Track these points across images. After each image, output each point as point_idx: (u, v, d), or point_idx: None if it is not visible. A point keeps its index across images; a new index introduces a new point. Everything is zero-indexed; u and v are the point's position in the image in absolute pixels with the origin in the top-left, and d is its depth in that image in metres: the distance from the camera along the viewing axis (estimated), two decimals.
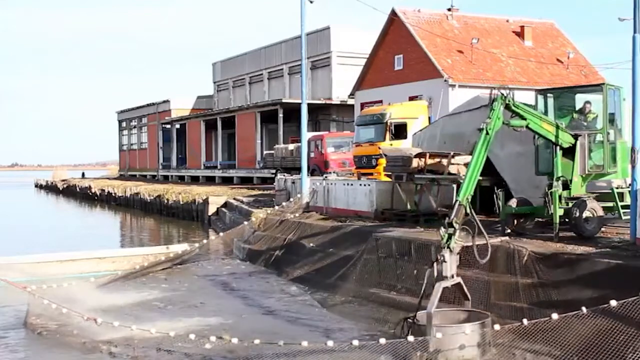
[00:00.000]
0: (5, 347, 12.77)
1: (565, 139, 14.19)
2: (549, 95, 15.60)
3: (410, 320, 10.86)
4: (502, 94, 12.75)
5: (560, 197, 13.93)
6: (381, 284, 15.16)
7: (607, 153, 14.53)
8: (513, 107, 13.13)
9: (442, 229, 11.22)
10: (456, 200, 11.56)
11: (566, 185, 14.14)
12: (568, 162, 14.28)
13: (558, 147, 14.19)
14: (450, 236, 11.12)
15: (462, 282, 11.26)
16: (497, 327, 10.32)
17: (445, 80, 36.95)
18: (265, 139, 54.60)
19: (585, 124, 14.87)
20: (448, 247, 11.05)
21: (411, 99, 35.38)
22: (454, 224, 11.18)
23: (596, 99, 14.88)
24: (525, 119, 13.47)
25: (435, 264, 11.09)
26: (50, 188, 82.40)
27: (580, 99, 15.48)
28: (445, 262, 10.98)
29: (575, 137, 14.29)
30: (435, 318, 10.64)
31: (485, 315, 11.00)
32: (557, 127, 14.10)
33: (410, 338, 10.26)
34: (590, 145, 14.56)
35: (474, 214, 11.73)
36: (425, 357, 10.15)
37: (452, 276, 11.07)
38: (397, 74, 40.63)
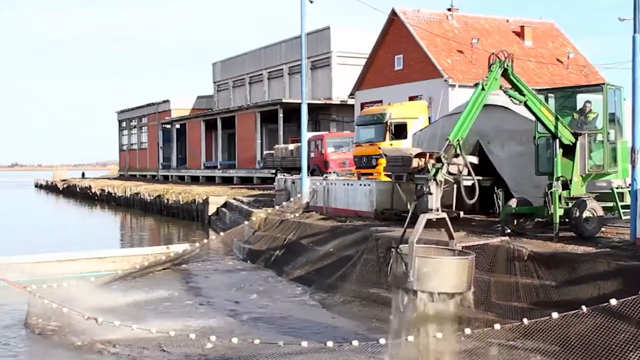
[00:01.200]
0: (5, 347, 12.77)
1: (566, 135, 14.18)
2: (550, 95, 15.60)
3: (393, 249, 10.84)
4: (499, 59, 12.83)
5: (560, 197, 13.94)
6: (381, 284, 15.15)
7: (607, 153, 14.53)
8: (511, 76, 13.17)
9: (431, 163, 11.40)
10: (447, 140, 11.71)
11: (566, 185, 14.15)
12: (568, 162, 14.29)
13: (558, 146, 14.18)
14: (437, 170, 11.22)
15: (447, 218, 11.29)
16: (497, 326, 10.32)
17: (445, 80, 36.96)
18: (265, 139, 54.61)
19: (585, 123, 14.87)
20: (434, 180, 11.14)
21: (411, 99, 35.39)
22: (443, 160, 11.33)
23: (597, 99, 14.89)
24: (524, 95, 13.48)
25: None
26: (50, 188, 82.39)
27: (581, 99, 15.49)
28: (431, 194, 11.05)
29: (576, 136, 14.29)
30: (418, 250, 10.57)
31: (469, 254, 11.00)
32: (557, 118, 14.10)
33: (410, 338, 10.28)
34: (590, 145, 14.57)
35: (465, 155, 11.87)
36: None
37: (437, 210, 11.06)
38: (397, 74, 40.64)
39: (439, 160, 11.28)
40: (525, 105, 13.63)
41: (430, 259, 10.56)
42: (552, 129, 14.03)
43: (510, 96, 13.52)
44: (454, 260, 10.73)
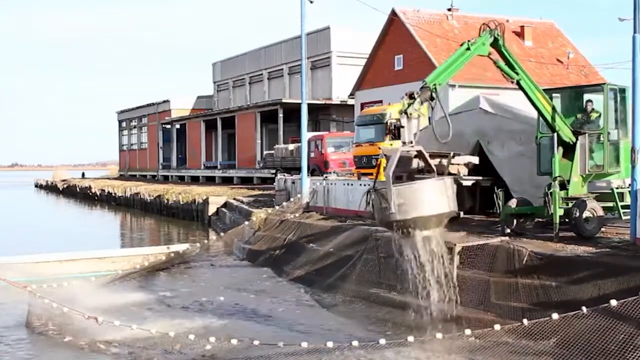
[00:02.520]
0: (5, 347, 12.77)
1: (565, 132, 14.15)
2: (554, 95, 15.53)
3: (372, 190, 11.16)
4: (490, 28, 12.89)
5: (558, 196, 13.91)
6: (381, 284, 15.16)
7: (607, 153, 14.50)
8: (502, 48, 13.18)
9: (404, 98, 11.72)
10: (424, 81, 11.99)
11: (564, 185, 14.11)
12: (567, 162, 14.27)
13: (556, 142, 14.12)
14: (409, 105, 11.54)
15: (424, 151, 11.46)
16: (497, 327, 10.32)
17: None
18: (265, 139, 54.59)
19: (588, 123, 14.82)
20: (406, 114, 11.44)
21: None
22: (415, 96, 11.63)
23: (600, 99, 14.82)
24: (517, 73, 13.45)
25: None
26: (50, 188, 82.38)
27: (586, 99, 15.36)
28: (403, 127, 11.38)
29: (576, 135, 14.26)
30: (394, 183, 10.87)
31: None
32: (555, 110, 14.05)
33: (410, 339, 10.30)
34: (591, 145, 14.54)
35: (439, 98, 12.05)
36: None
37: (411, 142, 11.32)
38: (397, 74, 40.60)
39: (411, 97, 11.62)
40: (518, 84, 13.58)
41: (405, 186, 10.88)
42: (549, 118, 13.96)
43: (503, 72, 13.49)
44: (428, 182, 11.00)
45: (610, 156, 14.63)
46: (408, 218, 10.71)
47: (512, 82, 13.65)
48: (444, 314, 12.37)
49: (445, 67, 12.48)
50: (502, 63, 13.38)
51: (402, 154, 11.09)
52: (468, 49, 12.76)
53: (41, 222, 42.13)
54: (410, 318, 12.93)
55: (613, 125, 14.75)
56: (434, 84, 11.94)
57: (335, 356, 10.75)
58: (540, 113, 14.12)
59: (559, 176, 14.05)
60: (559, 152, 14.35)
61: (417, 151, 11.38)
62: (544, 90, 14.68)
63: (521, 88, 13.66)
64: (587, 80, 39.40)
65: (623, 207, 14.16)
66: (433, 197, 10.70)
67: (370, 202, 11.14)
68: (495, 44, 13.12)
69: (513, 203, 14.87)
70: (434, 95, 11.88)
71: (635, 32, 12.84)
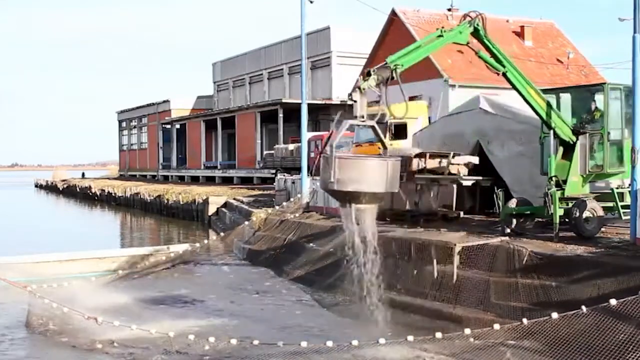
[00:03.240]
0: (5, 347, 12.77)
1: (564, 131, 14.10)
2: (561, 94, 15.45)
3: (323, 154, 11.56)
4: (470, 17, 12.87)
5: (553, 196, 13.85)
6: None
7: (606, 153, 14.45)
8: (484, 39, 13.11)
9: (360, 77, 11.89)
10: (386, 61, 12.15)
11: (559, 185, 14.05)
12: (566, 162, 14.23)
13: (552, 139, 14.06)
14: (365, 81, 11.70)
15: (376, 126, 11.77)
16: (496, 326, 10.32)
17: (445, 80, 36.95)
18: (265, 139, 54.59)
19: (592, 122, 14.75)
20: (359, 89, 11.64)
21: (411, 99, 35.27)
22: (372, 73, 11.79)
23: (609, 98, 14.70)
24: (503, 66, 13.35)
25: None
26: (50, 188, 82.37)
27: (598, 99, 15.13)
28: (355, 101, 11.60)
29: (577, 135, 14.23)
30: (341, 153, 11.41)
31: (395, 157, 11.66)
32: (550, 106, 13.94)
33: (410, 338, 10.30)
34: (592, 144, 14.49)
35: (400, 78, 12.17)
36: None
37: (362, 117, 11.63)
38: None
39: (368, 74, 11.81)
40: (506, 77, 13.50)
41: (348, 159, 11.35)
42: (542, 114, 13.86)
43: (487, 63, 13.43)
44: (371, 160, 11.42)
45: (612, 156, 14.55)
46: (344, 190, 11.06)
47: (499, 75, 13.55)
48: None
49: (411, 49, 12.52)
50: (484, 54, 13.30)
51: (353, 124, 11.70)
52: (441, 35, 12.73)
53: (41, 222, 42.13)
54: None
55: (618, 124, 14.64)
56: (395, 65, 11.99)
57: (335, 356, 10.74)
58: (532, 108, 14.03)
59: (555, 176, 13.99)
60: (559, 151, 14.33)
61: (370, 126, 11.78)
62: (544, 90, 14.65)
63: (509, 81, 13.57)
64: (587, 80, 39.40)
65: (623, 207, 14.15)
66: (372, 176, 11.01)
67: (319, 166, 11.60)
68: (477, 35, 13.01)
69: (513, 203, 14.86)
70: (394, 75, 11.95)
71: (635, 32, 12.83)
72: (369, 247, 11.97)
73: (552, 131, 14.10)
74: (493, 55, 13.28)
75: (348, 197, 11.30)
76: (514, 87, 13.70)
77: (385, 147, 11.66)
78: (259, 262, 20.94)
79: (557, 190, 13.92)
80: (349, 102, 11.88)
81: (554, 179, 13.95)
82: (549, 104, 13.98)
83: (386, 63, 11.94)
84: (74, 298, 14.36)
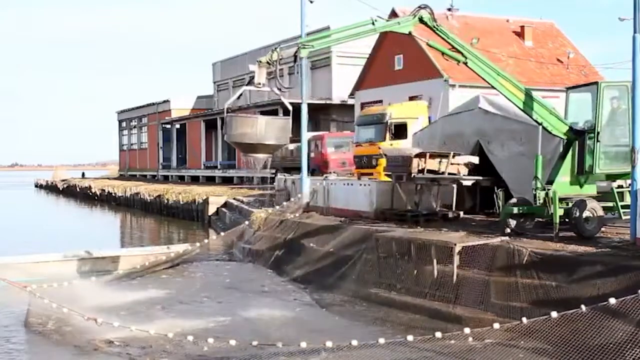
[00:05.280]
0: (5, 347, 12.77)
1: (555, 125, 14.01)
2: (576, 91, 15.35)
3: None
4: (420, 7, 12.96)
5: (537, 196, 13.79)
6: (381, 284, 15.16)
7: (597, 154, 14.24)
8: (436, 29, 13.04)
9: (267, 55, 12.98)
10: (298, 44, 13.06)
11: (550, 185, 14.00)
12: (559, 161, 14.18)
13: (541, 137, 14.02)
14: (270, 56, 12.80)
15: (275, 90, 13.57)
16: (496, 326, 10.32)
17: (445, 80, 36.92)
18: None
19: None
20: (258, 62, 13.03)
21: (411, 99, 35.35)
22: (277, 48, 12.91)
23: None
24: (465, 57, 13.22)
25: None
26: (50, 188, 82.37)
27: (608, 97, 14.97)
28: (254, 71, 13.12)
29: (579, 135, 14.18)
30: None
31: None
32: (530, 97, 13.80)
33: (410, 338, 10.30)
34: (589, 145, 14.44)
35: (301, 61, 13.76)
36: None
37: (260, 84, 13.33)
38: (397, 74, 40.61)
39: (274, 50, 12.92)
40: (469, 67, 13.37)
41: (238, 117, 13.68)
42: (519, 104, 13.78)
43: (444, 54, 13.38)
44: (261, 118, 13.62)
45: (610, 156, 14.47)
46: (239, 141, 13.26)
47: (459, 64, 13.48)
48: None
49: (327, 34, 12.94)
50: (434, 42, 13.23)
51: (250, 89, 13.75)
52: (372, 24, 12.81)
53: (41, 222, 42.12)
54: None
55: (619, 124, 14.56)
56: (304, 44, 12.39)
57: (335, 356, 10.73)
58: (508, 99, 13.96)
59: (536, 176, 13.98)
60: (558, 151, 14.31)
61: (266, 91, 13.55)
62: (545, 90, 14.58)
63: (473, 71, 13.45)
64: (587, 80, 39.37)
65: (623, 207, 14.15)
66: (261, 130, 13.00)
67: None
68: (427, 26, 12.90)
69: (513, 203, 14.86)
70: (297, 54, 12.71)
71: (635, 32, 12.82)
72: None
73: (540, 127, 14.03)
74: (452, 47, 13.17)
75: (244, 147, 13.41)
76: (482, 77, 13.57)
77: (288, 115, 13.47)
78: (259, 262, 20.95)
79: (541, 190, 13.89)
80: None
81: (539, 178, 13.92)
82: (529, 96, 13.86)
83: (299, 46, 12.66)
84: (74, 298, 14.37)
